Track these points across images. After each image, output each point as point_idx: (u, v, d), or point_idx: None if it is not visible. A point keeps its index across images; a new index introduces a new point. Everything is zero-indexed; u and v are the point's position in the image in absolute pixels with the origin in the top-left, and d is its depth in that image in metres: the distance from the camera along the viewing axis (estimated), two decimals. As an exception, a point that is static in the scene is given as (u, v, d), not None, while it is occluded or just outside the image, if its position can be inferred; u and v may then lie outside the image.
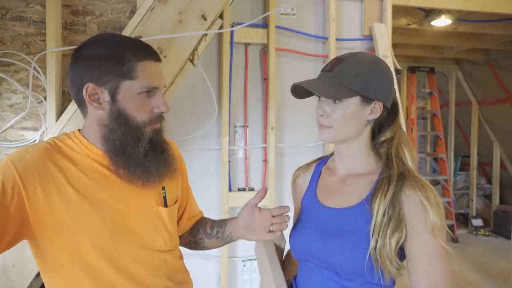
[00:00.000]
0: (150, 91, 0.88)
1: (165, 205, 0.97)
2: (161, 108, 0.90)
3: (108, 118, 0.87)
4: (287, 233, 1.03)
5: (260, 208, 1.01)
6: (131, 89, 0.86)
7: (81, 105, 0.90)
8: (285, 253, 1.13)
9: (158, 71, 0.92)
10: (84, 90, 0.86)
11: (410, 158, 0.92)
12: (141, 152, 0.88)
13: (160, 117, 0.92)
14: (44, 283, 0.91)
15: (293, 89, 0.94)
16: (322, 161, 1.06)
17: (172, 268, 0.98)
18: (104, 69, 0.85)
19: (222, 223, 1.13)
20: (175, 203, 1.03)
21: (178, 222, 1.10)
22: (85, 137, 0.91)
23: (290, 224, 1.02)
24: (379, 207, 0.83)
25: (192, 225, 1.17)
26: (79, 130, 0.94)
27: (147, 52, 0.89)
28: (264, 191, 0.99)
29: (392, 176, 0.86)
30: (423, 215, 0.82)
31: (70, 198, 0.84)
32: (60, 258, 0.85)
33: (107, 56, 0.86)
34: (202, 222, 1.17)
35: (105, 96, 0.86)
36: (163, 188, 0.97)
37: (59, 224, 0.83)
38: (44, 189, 0.81)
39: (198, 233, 1.15)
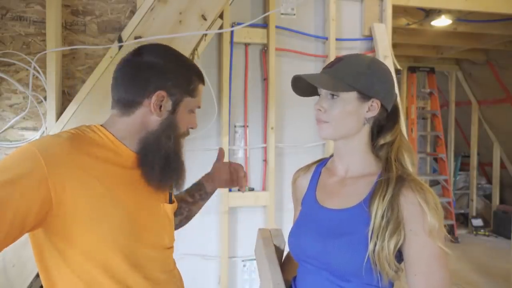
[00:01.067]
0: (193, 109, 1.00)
1: (170, 202, 1.01)
2: (193, 125, 1.01)
3: (159, 125, 0.93)
4: (286, 234, 1.03)
5: (229, 161, 1.25)
6: (188, 105, 0.97)
7: (132, 105, 0.92)
8: (285, 253, 1.13)
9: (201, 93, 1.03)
10: (154, 96, 0.90)
11: (410, 163, 0.92)
12: (171, 160, 0.95)
13: (188, 132, 1.02)
14: (42, 282, 0.88)
15: (294, 83, 0.96)
16: (322, 163, 1.07)
17: (172, 262, 1.02)
18: (175, 82, 0.93)
19: (199, 185, 1.23)
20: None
21: None
22: (112, 134, 0.91)
23: (290, 225, 1.02)
24: (378, 209, 0.83)
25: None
26: (101, 125, 0.94)
27: (202, 77, 1.01)
28: (221, 152, 1.23)
29: (390, 179, 0.86)
30: (421, 217, 0.82)
31: (94, 190, 0.82)
32: (77, 254, 0.83)
33: (179, 72, 0.95)
34: (178, 198, 1.20)
35: (168, 105, 0.93)
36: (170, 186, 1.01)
37: (81, 218, 0.81)
38: (70, 182, 0.79)
39: (182, 209, 1.19)
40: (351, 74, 0.89)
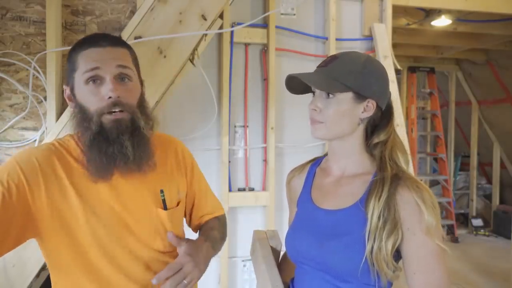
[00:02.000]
0: (96, 79, 0.87)
1: (165, 208, 0.97)
2: (109, 93, 0.86)
3: (75, 114, 0.91)
4: (282, 235, 1.02)
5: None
6: (79, 80, 0.88)
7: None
8: (281, 254, 1.12)
9: (100, 53, 0.88)
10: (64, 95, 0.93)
11: (404, 161, 0.91)
12: (87, 141, 0.87)
13: (114, 105, 0.86)
14: (51, 281, 0.92)
15: (288, 82, 0.94)
16: (316, 162, 1.05)
17: None
18: (66, 69, 0.92)
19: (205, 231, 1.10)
20: (177, 205, 1.02)
21: (189, 220, 1.13)
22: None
23: (286, 226, 1.02)
24: (374, 210, 0.83)
25: (203, 223, 1.15)
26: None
27: (89, 42, 0.89)
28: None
29: (385, 178, 0.86)
30: (418, 215, 0.81)
31: (71, 198, 0.86)
32: (62, 256, 0.87)
33: (67, 58, 0.92)
34: (207, 222, 1.14)
35: (69, 92, 0.92)
36: (162, 191, 0.96)
37: (60, 223, 0.85)
38: (47, 188, 0.84)
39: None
40: (346, 73, 0.87)
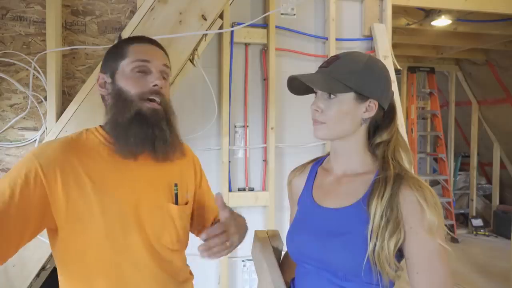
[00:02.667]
0: (143, 70, 0.95)
1: (176, 203, 0.99)
2: (155, 81, 0.94)
3: (110, 98, 0.96)
4: (283, 235, 1.02)
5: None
6: (127, 67, 0.95)
7: (103, 99, 0.99)
8: (282, 253, 1.12)
9: (150, 50, 0.98)
10: (96, 82, 0.98)
11: (407, 161, 0.91)
12: (125, 121, 0.91)
13: (156, 93, 0.94)
14: (59, 275, 0.93)
15: (289, 83, 0.95)
16: (318, 162, 1.05)
17: (177, 269, 1.01)
18: (107, 58, 0.99)
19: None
20: (186, 204, 1.04)
21: (192, 224, 1.12)
22: (104, 129, 0.97)
23: (287, 226, 1.02)
24: (376, 209, 0.83)
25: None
26: (100, 125, 0.99)
27: (138, 39, 1.01)
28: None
29: (388, 178, 0.86)
30: (420, 214, 0.81)
31: (87, 189, 0.88)
32: (76, 248, 0.88)
33: (111, 50, 1.01)
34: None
35: (106, 78, 0.97)
36: (176, 185, 1.00)
37: (76, 215, 0.87)
38: (63, 180, 0.86)
39: None
40: (348, 74, 0.87)
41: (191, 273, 1.11)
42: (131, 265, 0.91)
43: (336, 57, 0.91)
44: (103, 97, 0.99)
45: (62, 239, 0.89)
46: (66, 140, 0.93)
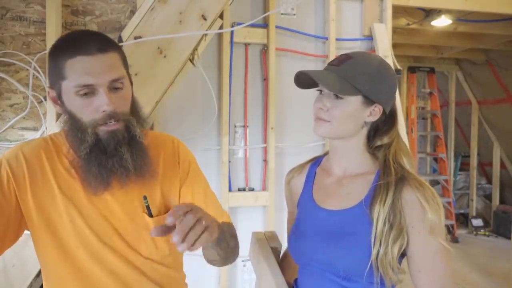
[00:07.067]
0: (88, 92, 0.80)
1: (150, 215, 0.91)
2: (104, 107, 0.80)
3: (66, 119, 0.87)
4: (282, 235, 1.02)
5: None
6: (69, 90, 0.81)
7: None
8: (281, 254, 1.12)
9: (91, 65, 0.80)
10: (48, 96, 0.91)
11: (409, 165, 0.90)
12: (84, 154, 0.84)
13: (109, 117, 0.82)
14: (43, 281, 0.93)
15: (297, 78, 0.93)
16: (316, 162, 1.04)
17: (163, 276, 0.95)
18: (49, 73, 0.86)
19: None
20: (166, 212, 0.95)
21: None
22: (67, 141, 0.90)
23: (285, 228, 1.01)
24: (379, 215, 0.83)
25: None
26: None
27: (75, 47, 0.81)
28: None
29: (390, 183, 0.85)
30: (422, 214, 0.82)
31: (56, 198, 0.85)
32: (50, 256, 0.87)
33: (50, 62, 0.85)
34: None
35: (55, 95, 0.86)
36: (145, 198, 0.88)
37: (46, 222, 0.85)
38: (32, 187, 0.84)
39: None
40: (359, 76, 0.86)
41: (185, 283, 1.06)
42: (109, 275, 0.87)
43: (348, 57, 0.90)
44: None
45: (36, 246, 0.88)
46: (40, 143, 0.89)
